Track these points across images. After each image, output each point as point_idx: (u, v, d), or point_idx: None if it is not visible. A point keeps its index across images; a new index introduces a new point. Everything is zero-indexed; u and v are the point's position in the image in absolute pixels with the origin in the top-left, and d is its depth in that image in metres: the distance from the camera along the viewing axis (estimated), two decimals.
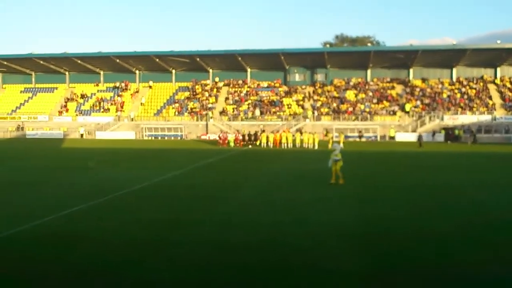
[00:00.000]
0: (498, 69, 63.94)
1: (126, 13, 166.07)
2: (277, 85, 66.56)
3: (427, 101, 59.44)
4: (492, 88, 61.79)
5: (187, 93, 66.56)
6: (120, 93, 68.36)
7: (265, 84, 67.24)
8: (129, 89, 69.23)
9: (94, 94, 68.83)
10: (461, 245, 10.27)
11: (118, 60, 66.12)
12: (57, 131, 61.30)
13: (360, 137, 43.83)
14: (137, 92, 68.52)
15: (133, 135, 58.92)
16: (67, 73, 71.94)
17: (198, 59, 64.82)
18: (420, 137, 44.89)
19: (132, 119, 61.95)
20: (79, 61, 66.84)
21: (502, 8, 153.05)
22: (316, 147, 41.52)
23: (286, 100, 62.68)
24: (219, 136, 47.35)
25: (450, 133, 52.04)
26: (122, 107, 65.20)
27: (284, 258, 9.30)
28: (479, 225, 12.24)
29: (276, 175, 22.60)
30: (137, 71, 70.73)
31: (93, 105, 66.41)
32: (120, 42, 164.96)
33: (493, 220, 12.75)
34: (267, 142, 44.28)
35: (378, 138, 54.14)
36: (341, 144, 39.76)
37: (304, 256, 9.49)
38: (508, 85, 61.80)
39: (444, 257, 9.38)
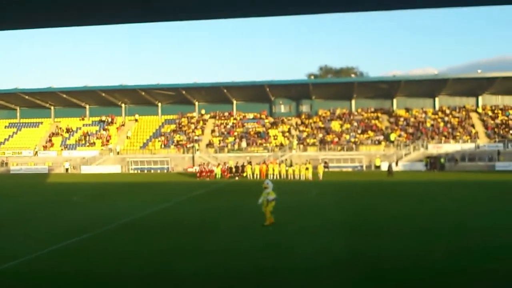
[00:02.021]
0: (480, 98, 65.20)
1: (112, 47, 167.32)
2: (263, 116, 67.06)
3: (411, 130, 60.20)
4: (474, 116, 62.87)
5: (173, 126, 66.65)
6: (106, 127, 68.23)
7: (251, 115, 67.71)
8: (115, 123, 69.16)
9: (80, 128, 68.58)
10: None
11: (103, 94, 66.26)
12: (41, 166, 60.61)
13: (326, 167, 44.31)
14: (123, 125, 68.45)
15: (119, 168, 58.53)
16: (52, 107, 71.78)
17: (184, 92, 65.25)
18: (390, 166, 45.01)
19: (118, 153, 61.65)
20: (64, 96, 66.83)
21: (483, 38, 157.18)
22: (311, 178, 41.53)
23: (272, 131, 63.03)
24: (203, 168, 46.96)
25: (432, 161, 52.57)
26: (108, 141, 64.96)
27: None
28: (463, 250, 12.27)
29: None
30: (123, 105, 70.83)
31: (78, 139, 66.06)
32: (106, 76, 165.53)
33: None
34: (253, 174, 44.38)
35: (364, 168, 54.55)
36: (310, 175, 40.39)
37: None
38: (490, 113, 62.95)
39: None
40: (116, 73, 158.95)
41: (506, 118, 61.52)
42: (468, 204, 22.61)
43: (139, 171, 57.78)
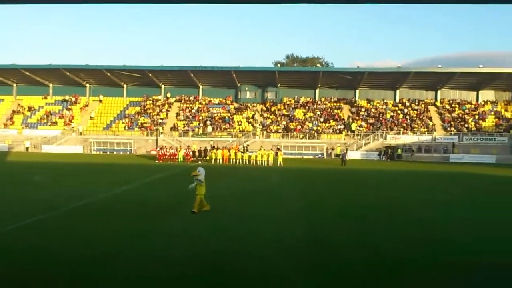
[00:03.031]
0: (439, 92, 67.46)
1: (79, 27, 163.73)
2: (228, 102, 67.59)
3: (371, 120, 61.93)
4: (432, 109, 65.11)
5: (138, 108, 66.42)
6: (69, 107, 67.39)
7: (216, 100, 68.13)
8: (79, 103, 68.37)
9: (42, 107, 67.50)
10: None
11: (68, 73, 65.33)
12: (1, 144, 59.60)
13: (276, 153, 45.35)
14: (87, 106, 67.77)
15: (81, 149, 58.15)
16: (14, 85, 70.27)
17: (150, 74, 65.06)
18: (343, 155, 46.15)
19: (80, 133, 61.15)
20: (27, 73, 65.54)
21: (443, 34, 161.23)
22: (271, 164, 42.60)
23: (236, 117, 63.69)
24: (165, 151, 47.24)
25: (385, 151, 54.62)
26: (70, 120, 64.28)
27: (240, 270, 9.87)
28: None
29: (226, 189, 23.16)
30: (87, 85, 70.00)
31: (40, 118, 65.10)
32: (71, 55, 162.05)
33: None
34: (216, 159, 45.10)
35: (325, 156, 56.02)
36: (271, 161, 41.63)
37: (249, 270, 9.95)
38: (448, 107, 65.29)
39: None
40: (82, 53, 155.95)
41: (462, 112, 63.98)
42: (418, 193, 23.77)
43: (101, 152, 57.59)
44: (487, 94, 67.21)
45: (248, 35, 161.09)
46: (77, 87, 69.64)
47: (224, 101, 67.97)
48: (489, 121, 61.89)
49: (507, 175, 36.51)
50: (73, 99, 68.59)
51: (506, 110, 64.02)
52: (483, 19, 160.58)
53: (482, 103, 65.95)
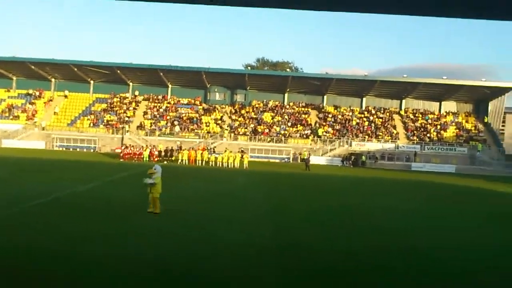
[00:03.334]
0: (403, 101, 69.06)
1: (47, 19, 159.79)
2: (197, 102, 67.34)
3: (338, 127, 62.87)
4: (397, 118, 66.62)
5: (104, 105, 65.37)
6: (33, 101, 65.72)
7: (185, 101, 67.79)
8: (43, 97, 66.76)
9: (4, 100, 65.56)
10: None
11: (33, 67, 63.74)
12: None
13: (242, 155, 45.50)
14: (51, 100, 66.23)
15: (43, 144, 56.81)
16: None
17: (118, 71, 64.18)
18: (307, 160, 46.49)
19: (43, 128, 59.70)
20: None
21: (407, 45, 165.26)
22: (237, 166, 42.81)
23: (205, 118, 63.53)
24: (131, 150, 46.86)
25: (348, 157, 55.51)
26: (33, 115, 62.71)
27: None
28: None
29: (188, 192, 23.14)
30: (53, 79, 68.44)
31: (1, 112, 63.20)
32: (37, 49, 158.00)
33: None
34: (182, 159, 44.96)
35: (291, 160, 56.52)
36: (237, 164, 42.03)
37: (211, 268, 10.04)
38: (411, 116, 66.94)
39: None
40: (49, 47, 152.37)
41: (425, 121, 65.73)
42: (380, 200, 24.34)
43: (64, 149, 56.43)
44: (449, 105, 69.26)
45: (220, 37, 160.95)
46: (42, 81, 67.95)
47: (193, 101, 67.68)
48: (450, 132, 63.79)
49: (466, 184, 37.71)
50: (37, 93, 66.92)
51: (466, 122, 66.12)
52: (448, 32, 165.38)
53: (444, 113, 67.92)
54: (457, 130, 64.01)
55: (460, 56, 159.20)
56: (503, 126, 71.22)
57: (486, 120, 65.94)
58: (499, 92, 63.53)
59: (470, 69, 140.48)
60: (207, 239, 12.92)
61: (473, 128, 64.97)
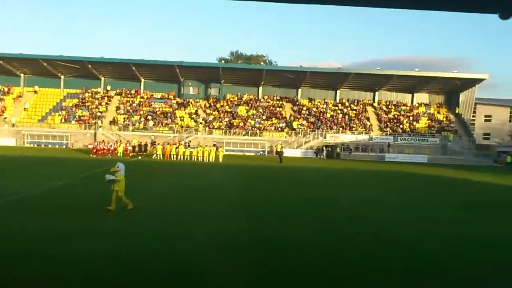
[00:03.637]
0: (377, 93, 69.83)
1: (14, 13, 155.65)
2: (171, 97, 66.69)
3: (312, 119, 63.16)
4: (370, 110, 67.32)
5: (75, 100, 64.14)
6: (1, 97, 64.01)
7: (158, 95, 67.06)
8: (12, 93, 65.08)
9: None
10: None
11: (1, 62, 62.04)
12: None
13: (217, 149, 45.20)
14: (21, 96, 64.63)
15: (13, 141, 55.50)
16: None
17: (89, 66, 63.01)
18: (281, 153, 46.73)
19: (13, 125, 58.24)
20: None
21: (384, 38, 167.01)
22: (212, 160, 42.72)
23: (179, 113, 62.97)
24: (103, 146, 46.32)
25: (321, 149, 55.90)
26: (3, 111, 61.07)
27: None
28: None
29: (163, 188, 22.88)
30: (22, 75, 66.80)
31: None
32: (4, 43, 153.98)
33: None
34: (157, 154, 44.55)
35: (266, 153, 56.60)
36: (212, 158, 42.34)
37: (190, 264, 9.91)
38: (384, 108, 67.73)
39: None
40: (17, 41, 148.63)
41: (397, 113, 66.60)
42: (355, 192, 24.52)
43: (35, 145, 55.23)
44: (422, 97, 70.35)
45: (193, 30, 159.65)
46: (11, 77, 66.26)
47: (166, 95, 67.01)
48: (423, 123, 64.81)
49: (438, 174, 38.32)
50: (6, 89, 65.22)
51: (438, 113, 67.27)
52: (421, 25, 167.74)
53: (417, 105, 68.95)
54: (429, 121, 65.07)
55: (434, 49, 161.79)
56: (473, 116, 72.75)
57: (457, 111, 67.24)
58: (470, 83, 64.79)
59: (444, 62, 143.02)
60: (181, 235, 12.72)
61: (444, 119, 66.16)
